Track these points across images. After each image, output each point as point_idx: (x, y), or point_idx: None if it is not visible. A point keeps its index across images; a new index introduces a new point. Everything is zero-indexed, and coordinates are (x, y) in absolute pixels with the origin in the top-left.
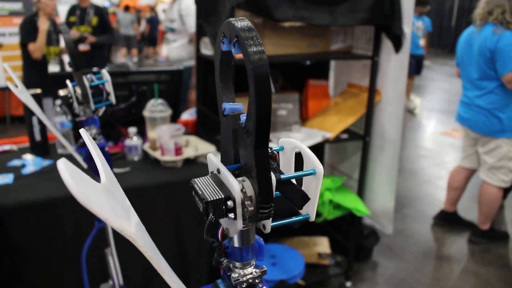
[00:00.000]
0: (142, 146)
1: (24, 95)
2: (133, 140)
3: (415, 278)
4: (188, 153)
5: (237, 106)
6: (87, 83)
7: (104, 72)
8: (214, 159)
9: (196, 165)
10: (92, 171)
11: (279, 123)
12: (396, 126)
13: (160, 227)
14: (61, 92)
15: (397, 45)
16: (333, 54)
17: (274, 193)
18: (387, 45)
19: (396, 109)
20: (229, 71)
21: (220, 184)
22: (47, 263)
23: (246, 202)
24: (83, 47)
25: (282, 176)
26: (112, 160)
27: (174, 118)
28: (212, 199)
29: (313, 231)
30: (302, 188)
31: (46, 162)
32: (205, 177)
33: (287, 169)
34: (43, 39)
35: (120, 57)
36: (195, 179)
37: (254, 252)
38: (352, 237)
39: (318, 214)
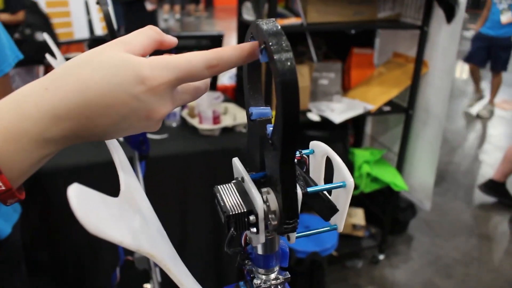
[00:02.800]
0: (180, 113)
1: None
2: None
3: (451, 255)
4: (226, 121)
5: (265, 111)
6: None
7: None
8: (239, 166)
9: (234, 134)
10: (128, 144)
11: (320, 93)
12: (442, 101)
13: (195, 196)
14: None
15: (450, 15)
16: (379, 22)
17: (299, 208)
18: (438, 14)
19: (444, 83)
20: (257, 73)
21: (244, 194)
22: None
23: (269, 216)
24: (150, 6)
25: (309, 189)
26: None
27: (213, 85)
28: (234, 212)
29: None
30: (331, 197)
31: None
32: (229, 184)
33: (317, 174)
34: None
35: (164, 13)
36: (218, 187)
37: (278, 258)
38: (388, 210)
39: (355, 187)
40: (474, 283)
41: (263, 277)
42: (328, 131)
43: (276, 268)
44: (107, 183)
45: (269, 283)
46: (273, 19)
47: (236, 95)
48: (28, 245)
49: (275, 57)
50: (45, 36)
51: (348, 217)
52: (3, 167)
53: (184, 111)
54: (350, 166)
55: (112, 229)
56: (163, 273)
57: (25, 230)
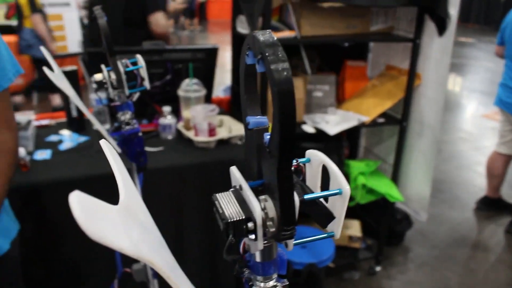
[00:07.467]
0: (176, 125)
1: (61, 80)
2: (167, 119)
3: (447, 266)
4: (222, 134)
5: (262, 120)
6: (121, 69)
7: (139, 57)
8: (237, 174)
9: (229, 146)
10: (127, 156)
11: (314, 105)
12: (436, 112)
13: (192, 207)
14: (97, 77)
15: (441, 28)
16: (372, 35)
17: (297, 215)
18: (430, 27)
19: (437, 94)
20: (254, 83)
21: (242, 202)
22: (82, 238)
23: (267, 223)
24: None
25: (306, 197)
26: (145, 138)
27: (209, 97)
28: (233, 220)
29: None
30: (328, 205)
31: (82, 139)
32: (228, 192)
33: (313, 182)
34: None
35: None
36: (217, 195)
37: (276, 266)
38: (384, 222)
39: (350, 198)
40: None
41: (262, 284)
42: (323, 143)
43: (274, 276)
44: (104, 195)
45: None
46: (269, 30)
47: (231, 108)
48: (26, 259)
49: (271, 67)
50: (43, 50)
51: (344, 228)
52: None
53: (179, 124)
54: (346, 178)
55: (112, 235)
56: (161, 286)
57: (22, 244)
